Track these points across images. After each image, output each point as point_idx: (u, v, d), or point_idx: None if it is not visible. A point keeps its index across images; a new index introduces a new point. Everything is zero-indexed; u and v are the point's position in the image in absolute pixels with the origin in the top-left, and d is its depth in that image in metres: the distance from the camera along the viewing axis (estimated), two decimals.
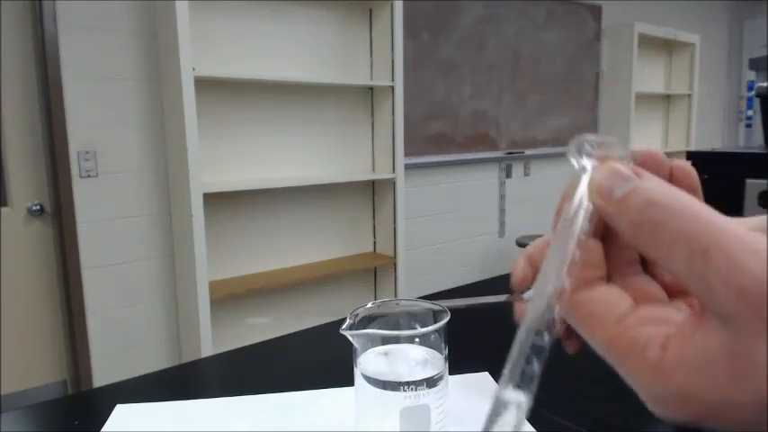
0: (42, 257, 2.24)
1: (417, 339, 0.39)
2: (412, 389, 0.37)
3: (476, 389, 0.48)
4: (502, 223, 3.75)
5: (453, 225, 3.48)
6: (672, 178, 0.24)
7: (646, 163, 0.23)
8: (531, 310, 0.22)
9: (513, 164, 3.77)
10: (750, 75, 5.41)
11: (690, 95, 4.84)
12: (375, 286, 3.08)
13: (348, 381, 0.41)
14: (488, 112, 3.51)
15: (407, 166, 2.99)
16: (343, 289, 2.93)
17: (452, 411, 0.41)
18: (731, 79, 5.72)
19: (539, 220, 3.85)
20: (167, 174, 2.38)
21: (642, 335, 0.21)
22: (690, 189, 0.22)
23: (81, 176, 2.20)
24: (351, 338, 0.39)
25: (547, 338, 0.21)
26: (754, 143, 4.59)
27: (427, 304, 0.42)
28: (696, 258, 0.18)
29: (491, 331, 0.57)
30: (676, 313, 0.21)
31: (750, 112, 5.55)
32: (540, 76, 3.75)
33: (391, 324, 0.41)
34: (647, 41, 4.39)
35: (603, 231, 0.24)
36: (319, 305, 2.82)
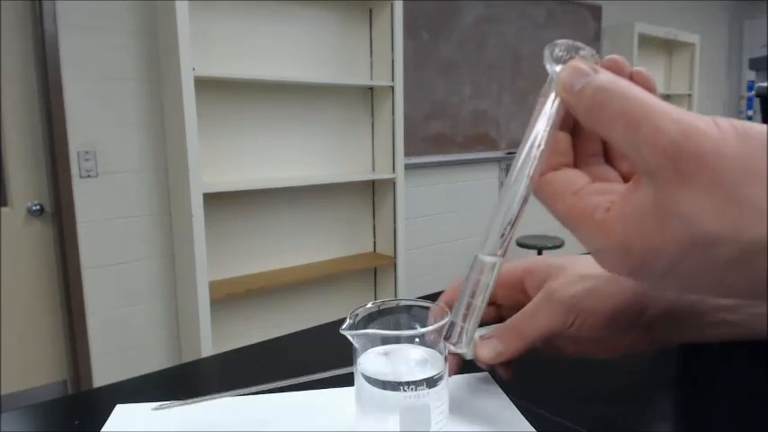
0: (42, 257, 2.24)
1: (417, 339, 0.39)
2: (412, 389, 0.37)
3: (476, 389, 0.48)
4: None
5: (453, 225, 3.48)
6: (632, 80, 0.26)
7: (609, 67, 0.26)
8: (506, 189, 0.27)
9: None
10: (750, 75, 5.41)
11: (690, 95, 4.84)
12: (375, 286, 3.08)
13: (348, 381, 0.41)
14: (488, 112, 3.51)
15: (407, 166, 2.99)
16: (343, 289, 2.93)
17: (452, 411, 0.41)
18: (731, 79, 5.72)
19: (539, 220, 3.85)
20: (167, 174, 2.38)
21: (592, 202, 0.25)
22: (646, 90, 0.25)
23: (81, 176, 2.20)
24: (351, 338, 0.39)
25: (518, 209, 0.27)
26: None
27: (427, 304, 0.42)
28: (630, 129, 0.22)
29: None
30: (624, 187, 0.25)
31: (750, 112, 5.55)
32: (540, 76, 3.73)
33: (391, 324, 0.41)
34: (647, 41, 4.39)
35: (572, 127, 0.29)
36: (319, 305, 2.82)
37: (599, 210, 0.24)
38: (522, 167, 0.27)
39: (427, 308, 0.42)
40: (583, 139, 0.29)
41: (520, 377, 0.41)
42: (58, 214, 2.18)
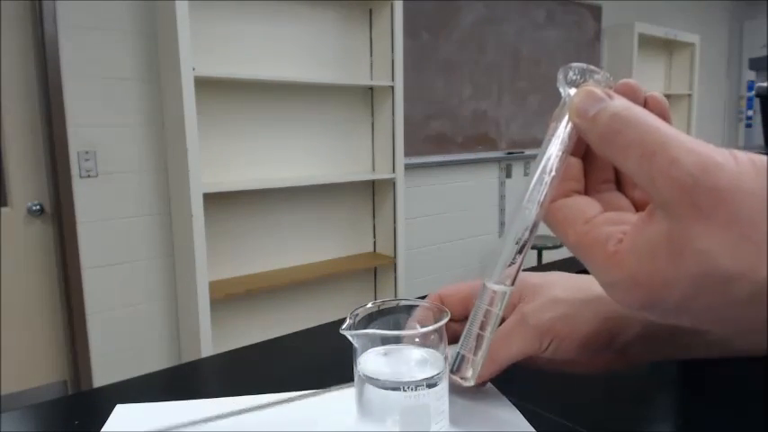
0: (42, 257, 2.24)
1: (417, 339, 0.39)
2: (412, 389, 0.37)
3: (476, 389, 0.48)
4: (502, 223, 3.74)
5: (453, 225, 3.48)
6: (646, 106, 0.26)
7: (623, 92, 0.26)
8: (516, 215, 0.26)
9: (513, 164, 3.77)
10: (750, 75, 5.41)
11: (690, 95, 4.84)
12: (375, 286, 3.08)
13: (348, 381, 0.41)
14: (488, 112, 3.51)
15: (407, 166, 2.99)
16: (343, 289, 2.93)
17: (452, 412, 0.41)
18: (731, 79, 5.72)
19: None
20: (167, 174, 2.38)
21: (604, 232, 0.24)
22: (661, 116, 0.25)
23: (81, 176, 2.20)
24: (351, 338, 0.39)
25: (528, 236, 0.26)
26: (754, 143, 4.60)
27: (427, 304, 0.42)
28: (644, 159, 0.22)
29: None
30: (636, 217, 0.24)
31: (750, 112, 5.55)
32: (540, 76, 3.75)
33: (391, 324, 0.41)
34: (647, 41, 4.39)
35: (584, 153, 0.28)
36: (319, 305, 2.82)
37: (611, 241, 0.23)
38: (533, 194, 0.26)
39: (427, 308, 0.42)
40: (595, 166, 0.28)
41: (520, 377, 0.41)
42: (58, 214, 2.18)
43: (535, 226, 0.26)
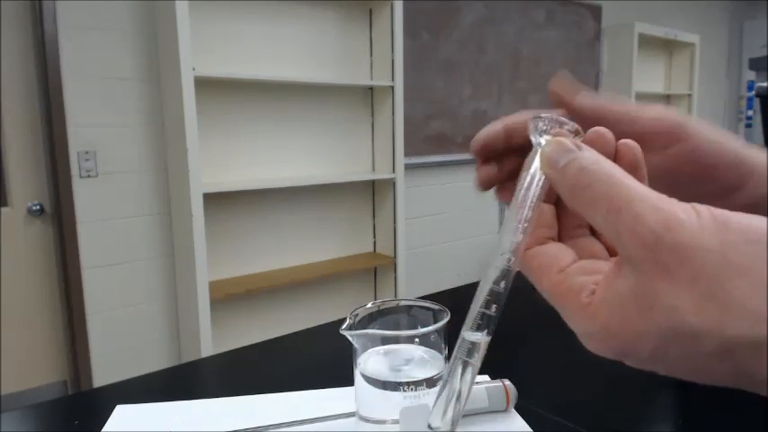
0: (42, 257, 2.24)
1: (417, 339, 0.39)
2: (412, 389, 0.37)
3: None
4: (502, 223, 3.74)
5: (453, 225, 3.48)
6: (618, 153, 0.26)
7: (594, 139, 0.26)
8: (491, 264, 0.26)
9: None
10: (750, 75, 5.41)
11: (690, 95, 4.84)
12: (375, 286, 3.08)
13: (348, 381, 0.41)
14: (488, 112, 3.51)
15: (407, 166, 2.99)
16: (343, 289, 2.93)
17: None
18: (731, 79, 5.72)
19: None
20: (167, 174, 2.38)
21: (577, 282, 0.24)
22: (632, 162, 0.26)
23: (81, 176, 2.20)
24: (351, 338, 0.39)
25: (504, 285, 0.26)
26: (754, 143, 4.58)
27: (427, 304, 0.42)
28: (611, 214, 0.22)
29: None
30: (609, 265, 0.24)
31: (750, 112, 5.54)
32: (540, 76, 3.75)
33: (391, 324, 0.41)
34: (647, 41, 4.39)
35: (557, 199, 0.28)
36: (319, 305, 2.82)
37: (584, 291, 0.24)
38: (506, 242, 0.26)
39: (427, 308, 0.42)
40: (568, 211, 0.28)
41: (520, 377, 0.41)
42: (58, 214, 2.18)
43: (510, 274, 0.26)
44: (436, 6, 3.16)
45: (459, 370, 0.26)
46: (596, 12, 4.11)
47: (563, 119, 0.27)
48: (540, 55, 3.75)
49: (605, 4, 4.14)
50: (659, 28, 4.38)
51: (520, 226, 0.26)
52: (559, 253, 0.26)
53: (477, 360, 0.26)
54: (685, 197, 0.22)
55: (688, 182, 0.32)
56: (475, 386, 0.50)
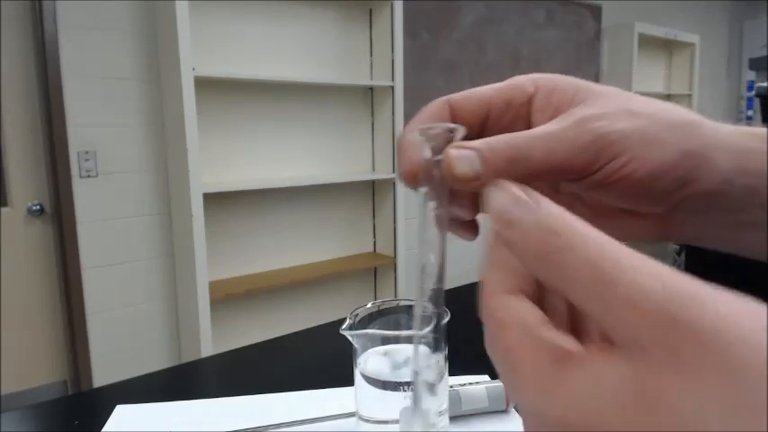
0: (42, 257, 2.24)
1: None
2: (412, 389, 0.37)
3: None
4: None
5: None
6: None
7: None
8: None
9: None
10: (750, 75, 5.41)
11: (690, 95, 4.84)
12: (375, 286, 3.08)
13: (348, 381, 0.41)
14: None
15: None
16: (343, 289, 2.93)
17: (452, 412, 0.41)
18: (731, 79, 5.72)
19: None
20: (167, 174, 2.38)
21: (542, 348, 0.19)
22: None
23: (81, 176, 2.20)
24: (351, 338, 0.39)
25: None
26: None
27: (427, 304, 0.42)
28: (596, 285, 0.17)
29: None
30: (583, 335, 0.20)
31: (750, 112, 5.55)
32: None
33: (391, 324, 0.41)
34: (647, 41, 4.39)
35: None
36: (319, 305, 2.82)
37: (545, 363, 0.18)
38: (419, 294, 0.23)
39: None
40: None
41: None
42: (58, 214, 2.18)
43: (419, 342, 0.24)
44: (436, 6, 3.16)
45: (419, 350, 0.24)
46: (596, 12, 4.11)
47: (451, 125, 0.24)
48: (540, 55, 3.75)
49: (605, 4, 4.14)
50: (659, 28, 4.38)
51: (430, 270, 0.24)
52: (525, 311, 0.21)
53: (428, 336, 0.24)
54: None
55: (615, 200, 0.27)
56: (475, 386, 0.50)
